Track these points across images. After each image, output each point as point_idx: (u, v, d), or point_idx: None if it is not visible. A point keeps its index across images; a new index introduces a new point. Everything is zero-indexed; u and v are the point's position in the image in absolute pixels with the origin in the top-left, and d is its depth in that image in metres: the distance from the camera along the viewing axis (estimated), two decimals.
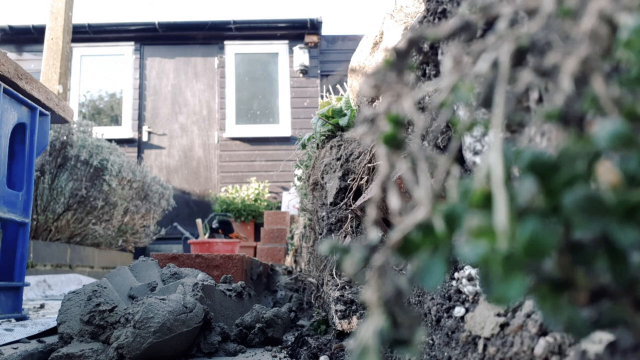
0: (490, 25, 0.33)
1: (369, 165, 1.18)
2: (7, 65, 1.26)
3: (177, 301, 1.02)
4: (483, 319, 0.52)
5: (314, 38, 7.33)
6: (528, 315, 0.46)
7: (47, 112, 1.51)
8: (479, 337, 0.52)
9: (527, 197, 0.22)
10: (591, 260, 0.22)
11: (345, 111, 1.54)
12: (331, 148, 1.44)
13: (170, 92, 7.33)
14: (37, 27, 6.76)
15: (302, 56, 7.18)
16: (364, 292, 0.26)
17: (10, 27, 6.96)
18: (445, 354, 0.58)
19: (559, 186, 0.22)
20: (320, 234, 1.45)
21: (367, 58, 1.46)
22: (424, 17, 0.72)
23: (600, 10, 0.25)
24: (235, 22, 7.29)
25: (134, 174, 4.44)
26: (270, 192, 6.67)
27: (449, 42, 0.31)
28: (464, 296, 0.61)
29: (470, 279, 0.60)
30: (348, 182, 1.30)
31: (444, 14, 0.67)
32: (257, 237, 5.95)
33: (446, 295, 0.63)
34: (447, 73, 0.29)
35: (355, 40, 7.39)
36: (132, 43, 7.28)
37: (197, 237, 4.80)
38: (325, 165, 1.43)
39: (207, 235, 4.83)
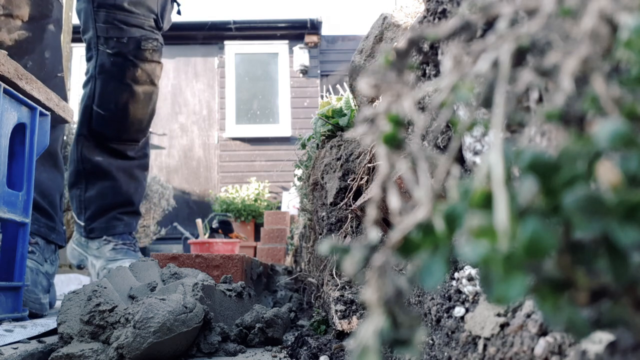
0: (490, 25, 0.33)
1: (369, 165, 1.18)
2: (7, 65, 1.26)
3: (177, 301, 1.02)
4: (483, 319, 0.52)
5: (314, 38, 7.33)
6: (528, 315, 0.46)
7: (47, 112, 1.51)
8: (479, 337, 0.52)
9: (527, 197, 0.22)
10: (591, 260, 0.22)
11: (345, 111, 1.54)
12: (331, 148, 1.44)
13: (170, 92, 7.33)
14: None
15: (302, 56, 7.19)
16: (364, 292, 0.26)
17: None
18: (445, 354, 0.58)
19: (559, 186, 0.22)
20: (320, 234, 1.45)
21: (367, 58, 1.46)
22: (424, 17, 0.72)
23: (601, 10, 0.25)
24: (235, 22, 7.29)
25: None
26: (270, 192, 6.67)
27: (449, 42, 0.31)
28: (464, 296, 0.61)
29: (470, 279, 0.60)
30: (348, 182, 1.30)
31: (444, 14, 0.67)
32: (257, 237, 5.95)
33: (446, 295, 0.63)
34: (447, 73, 0.29)
35: (355, 40, 7.40)
36: None
37: (197, 237, 4.81)
38: (325, 165, 1.43)
39: (207, 235, 4.83)
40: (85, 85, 2.15)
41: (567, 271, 0.23)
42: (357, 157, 1.30)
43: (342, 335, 1.06)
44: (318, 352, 0.98)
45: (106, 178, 2.15)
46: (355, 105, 1.49)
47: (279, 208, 6.19)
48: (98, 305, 1.01)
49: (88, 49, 2.11)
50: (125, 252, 2.15)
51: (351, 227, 1.25)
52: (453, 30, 0.30)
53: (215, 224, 5.08)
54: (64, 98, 1.89)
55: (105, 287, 1.07)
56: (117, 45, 2.02)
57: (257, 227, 6.02)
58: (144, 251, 5.90)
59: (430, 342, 0.64)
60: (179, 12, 2.29)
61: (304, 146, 1.96)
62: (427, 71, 0.74)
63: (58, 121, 1.62)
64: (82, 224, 2.19)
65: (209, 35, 7.33)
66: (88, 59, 2.13)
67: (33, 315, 1.54)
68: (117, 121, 2.08)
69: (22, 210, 1.40)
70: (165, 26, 2.19)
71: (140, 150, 2.23)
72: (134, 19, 2.02)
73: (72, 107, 1.99)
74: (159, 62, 2.14)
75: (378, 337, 0.25)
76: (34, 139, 1.46)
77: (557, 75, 0.26)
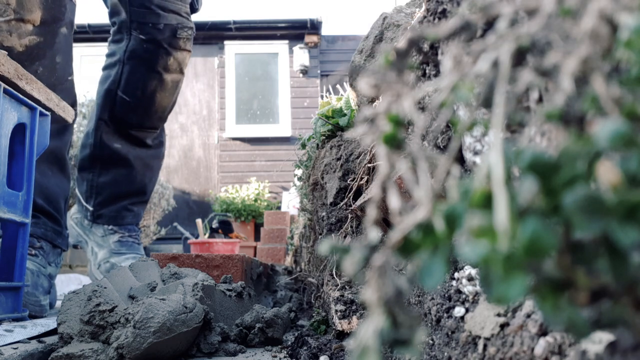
0: (490, 25, 0.33)
1: (369, 165, 1.18)
2: (7, 66, 1.26)
3: (177, 301, 1.02)
4: (483, 319, 0.52)
5: (314, 38, 7.33)
6: (528, 315, 0.46)
7: (47, 113, 1.51)
8: (479, 337, 0.52)
9: (527, 197, 0.22)
10: (591, 260, 0.22)
11: (345, 111, 1.54)
12: (331, 148, 1.44)
13: None
14: None
15: (302, 56, 7.19)
16: (364, 292, 0.26)
17: None
18: (445, 354, 0.58)
19: (559, 186, 0.22)
20: (320, 234, 1.45)
21: (367, 58, 1.46)
22: (424, 17, 0.72)
23: (601, 10, 0.25)
24: (235, 22, 7.29)
25: None
26: (270, 192, 6.67)
27: (449, 42, 0.31)
28: (464, 296, 0.61)
29: (470, 279, 0.60)
30: (348, 182, 1.30)
31: (444, 14, 0.67)
32: (257, 237, 5.95)
33: (446, 295, 0.63)
34: (447, 73, 0.29)
35: (355, 40, 7.40)
36: None
37: (197, 237, 4.81)
38: (325, 165, 1.43)
39: (207, 235, 4.83)
40: (108, 67, 2.09)
41: (567, 271, 0.23)
42: (357, 157, 1.30)
43: (342, 335, 1.06)
44: (318, 352, 0.98)
45: (123, 165, 2.11)
46: (355, 105, 1.49)
47: (279, 208, 6.20)
48: (98, 305, 1.01)
49: (117, 32, 2.04)
50: (130, 245, 2.13)
51: (351, 227, 1.25)
52: (453, 30, 0.30)
53: (215, 224, 5.09)
54: (74, 101, 1.86)
55: (105, 287, 1.07)
56: (152, 31, 1.95)
57: (257, 227, 6.03)
58: (144, 251, 5.90)
59: (430, 342, 0.64)
60: None
61: (304, 146, 1.96)
62: (427, 71, 0.74)
63: (58, 121, 1.62)
64: (91, 208, 2.13)
65: (209, 35, 7.33)
66: (115, 41, 2.06)
67: (33, 317, 1.54)
68: (142, 108, 2.03)
69: (22, 210, 1.40)
70: (199, 8, 2.13)
71: (157, 137, 2.19)
72: (171, 4, 1.95)
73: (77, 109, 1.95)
74: (190, 51, 2.08)
75: (378, 337, 0.25)
76: (34, 139, 1.46)
77: (557, 75, 0.26)
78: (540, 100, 0.40)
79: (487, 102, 0.27)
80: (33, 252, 1.71)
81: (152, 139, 2.17)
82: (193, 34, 2.07)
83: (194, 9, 2.10)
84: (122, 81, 2.01)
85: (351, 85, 1.47)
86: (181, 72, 2.08)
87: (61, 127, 1.78)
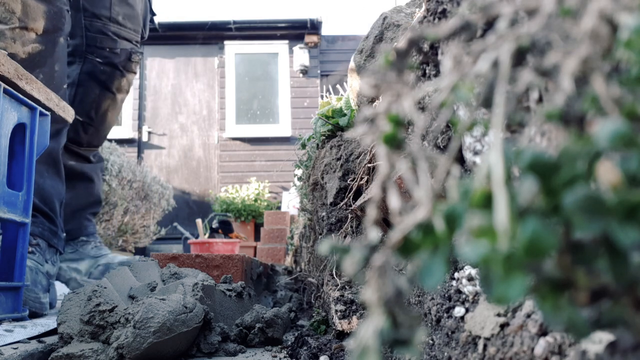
0: (490, 25, 0.33)
1: (369, 165, 1.18)
2: (7, 66, 1.26)
3: (177, 301, 1.02)
4: (483, 319, 0.52)
5: (314, 38, 7.33)
6: (528, 315, 0.46)
7: (47, 112, 1.51)
8: (479, 337, 0.52)
9: (527, 197, 0.22)
10: (591, 260, 0.22)
11: (345, 111, 1.54)
12: (331, 148, 1.44)
13: (170, 92, 7.33)
14: None
15: (302, 56, 7.19)
16: (364, 292, 0.26)
17: None
18: (445, 354, 0.58)
19: (559, 186, 0.22)
20: (320, 234, 1.45)
21: (367, 58, 1.46)
22: (424, 17, 0.72)
23: (601, 10, 0.25)
24: (235, 22, 7.29)
25: (134, 174, 4.43)
26: (270, 192, 6.67)
27: (449, 42, 0.31)
28: (464, 296, 0.61)
29: (470, 279, 0.60)
30: (348, 182, 1.30)
31: (444, 14, 0.67)
32: (257, 237, 5.95)
33: (446, 295, 0.63)
34: (447, 73, 0.29)
35: (355, 40, 7.40)
36: None
37: (197, 237, 4.81)
38: (325, 165, 1.43)
39: (207, 235, 4.83)
40: None
41: (567, 271, 0.23)
42: (357, 157, 1.30)
43: (342, 335, 1.06)
44: (318, 352, 0.98)
45: (81, 180, 2.19)
46: (355, 105, 1.49)
47: (279, 208, 6.20)
48: (98, 305, 1.01)
49: (70, 55, 2.13)
50: (105, 249, 2.17)
51: (351, 227, 1.25)
52: (453, 30, 0.30)
53: (215, 224, 5.09)
54: None
55: (105, 287, 1.07)
56: (110, 55, 2.10)
57: (257, 227, 6.03)
58: (144, 251, 5.90)
59: (430, 342, 0.64)
60: (152, 21, 2.44)
61: (304, 146, 1.96)
62: (427, 71, 0.74)
63: (58, 121, 1.62)
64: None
65: (209, 35, 7.33)
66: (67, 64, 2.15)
67: (33, 315, 1.54)
68: (94, 127, 2.15)
69: (22, 210, 1.40)
70: (146, 35, 2.31)
71: (96, 154, 2.31)
72: (125, 32, 2.13)
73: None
74: (136, 73, 2.27)
75: (378, 337, 0.25)
76: (34, 139, 1.46)
77: (557, 75, 0.26)
78: (540, 100, 0.40)
79: (487, 102, 0.27)
80: (30, 249, 1.73)
81: (93, 156, 2.27)
82: (141, 58, 2.28)
83: (142, 38, 2.30)
84: (75, 102, 2.09)
85: (350, 85, 1.47)
86: (127, 91, 2.25)
87: (56, 130, 1.82)
